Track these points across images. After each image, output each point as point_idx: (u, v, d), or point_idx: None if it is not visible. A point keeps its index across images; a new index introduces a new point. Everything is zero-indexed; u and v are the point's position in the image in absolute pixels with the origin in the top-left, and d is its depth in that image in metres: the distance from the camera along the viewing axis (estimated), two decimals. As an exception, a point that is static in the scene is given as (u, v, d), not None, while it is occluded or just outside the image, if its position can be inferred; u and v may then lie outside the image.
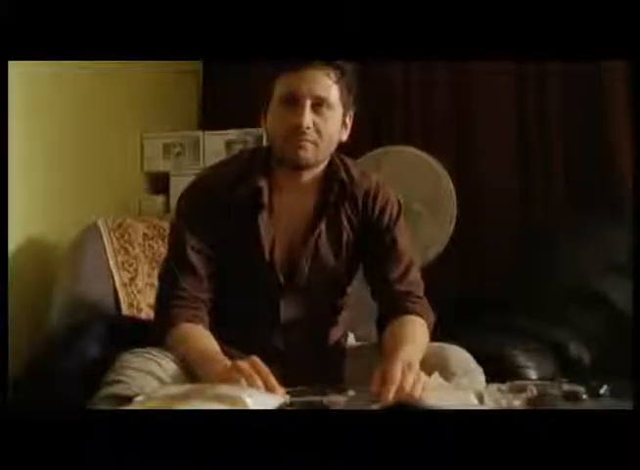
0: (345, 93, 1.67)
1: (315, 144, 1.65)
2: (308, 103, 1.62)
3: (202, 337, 1.62)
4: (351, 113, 1.73)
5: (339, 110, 1.67)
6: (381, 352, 1.63)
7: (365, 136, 2.99)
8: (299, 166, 1.68)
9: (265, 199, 1.69)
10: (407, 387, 1.40)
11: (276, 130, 1.67)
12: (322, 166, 1.73)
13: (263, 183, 1.70)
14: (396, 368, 1.44)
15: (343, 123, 1.71)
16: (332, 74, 1.63)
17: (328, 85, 1.63)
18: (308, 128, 1.62)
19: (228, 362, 1.50)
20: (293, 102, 1.62)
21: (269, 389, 1.40)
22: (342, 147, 1.75)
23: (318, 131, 1.64)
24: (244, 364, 1.44)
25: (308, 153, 1.65)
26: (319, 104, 1.63)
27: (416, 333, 1.65)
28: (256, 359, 1.46)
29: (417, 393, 1.40)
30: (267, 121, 1.70)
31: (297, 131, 1.62)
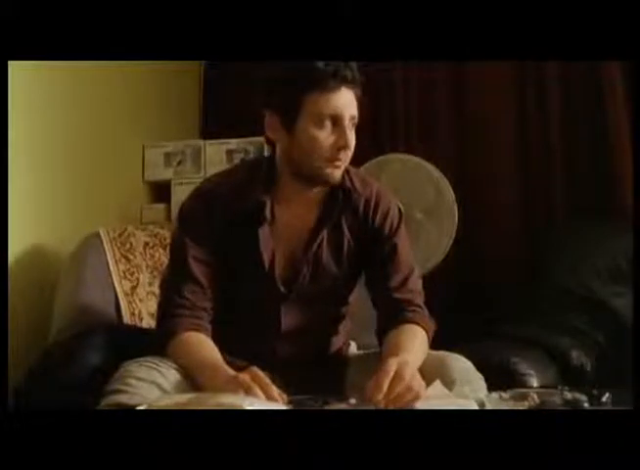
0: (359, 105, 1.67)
1: (346, 162, 1.66)
2: (347, 123, 1.61)
3: (203, 346, 1.62)
4: None
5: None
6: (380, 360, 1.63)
7: (365, 143, 3.00)
8: (326, 184, 1.68)
9: (268, 213, 1.69)
10: (406, 377, 1.42)
11: (313, 150, 1.62)
12: None
13: (266, 197, 1.69)
14: (391, 363, 1.45)
15: None
16: (358, 92, 1.63)
17: (356, 103, 1.64)
18: (348, 151, 1.63)
19: (229, 372, 1.50)
20: (333, 123, 1.61)
21: (269, 399, 1.40)
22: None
23: (351, 150, 1.65)
24: (244, 376, 1.44)
25: (340, 172, 1.66)
26: (352, 123, 1.63)
27: (414, 341, 1.65)
28: (256, 370, 1.46)
29: (415, 385, 1.42)
30: (296, 138, 1.63)
31: (339, 152, 1.62)
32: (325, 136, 1.61)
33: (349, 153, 1.64)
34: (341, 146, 1.61)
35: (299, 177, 1.68)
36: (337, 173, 1.65)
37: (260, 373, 1.45)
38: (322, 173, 1.64)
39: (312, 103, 1.60)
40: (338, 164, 1.64)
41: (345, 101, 1.61)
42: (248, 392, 1.40)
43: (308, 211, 1.73)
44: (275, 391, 1.42)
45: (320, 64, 1.58)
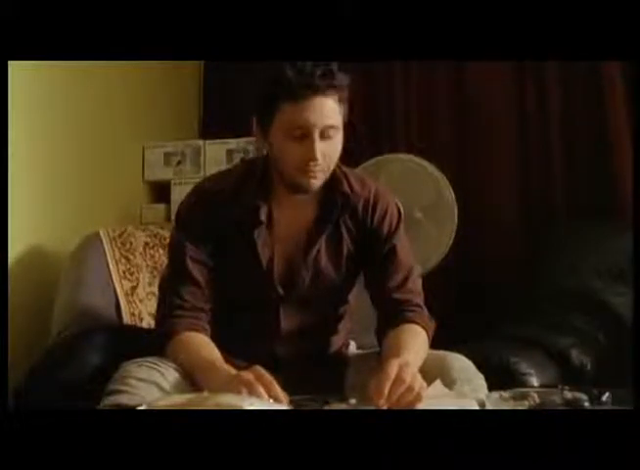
0: (344, 106, 1.63)
1: (324, 171, 1.63)
2: (317, 134, 1.58)
3: (202, 345, 1.62)
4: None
5: (341, 127, 1.63)
6: (380, 360, 1.63)
7: (365, 143, 3.00)
8: (307, 192, 1.66)
9: (262, 216, 1.68)
10: (407, 379, 1.41)
11: (284, 160, 1.63)
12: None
13: (261, 200, 1.69)
14: (392, 365, 1.45)
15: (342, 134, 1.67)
16: (335, 97, 1.59)
17: (333, 110, 1.59)
18: (319, 163, 1.60)
19: (231, 371, 1.50)
20: (302, 134, 1.58)
21: (272, 397, 1.40)
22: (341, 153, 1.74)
23: (327, 158, 1.62)
24: (247, 374, 1.44)
25: (319, 180, 1.64)
26: (328, 131, 1.59)
27: (414, 341, 1.64)
28: (259, 369, 1.46)
29: (417, 385, 1.41)
30: (272, 146, 1.64)
31: (309, 163, 1.60)
32: (295, 147, 1.60)
33: (321, 162, 1.60)
34: (308, 158, 1.59)
35: (285, 184, 1.68)
36: (314, 183, 1.63)
37: (264, 372, 1.44)
38: (299, 183, 1.64)
39: (282, 113, 1.59)
40: (311, 174, 1.61)
41: (317, 111, 1.57)
42: (250, 390, 1.39)
43: (305, 214, 1.73)
44: (279, 390, 1.42)
45: (291, 73, 1.55)
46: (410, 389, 1.41)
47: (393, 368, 1.44)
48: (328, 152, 1.61)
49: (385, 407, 1.40)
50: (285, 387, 1.48)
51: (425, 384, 1.45)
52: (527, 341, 2.40)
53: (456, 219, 2.71)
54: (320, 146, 1.59)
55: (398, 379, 1.42)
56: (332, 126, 1.60)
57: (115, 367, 1.58)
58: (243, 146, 2.94)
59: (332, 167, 1.66)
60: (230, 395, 1.38)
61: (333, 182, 1.71)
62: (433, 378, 1.49)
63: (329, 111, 1.58)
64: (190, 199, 1.75)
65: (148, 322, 2.36)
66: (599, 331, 2.51)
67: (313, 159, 1.59)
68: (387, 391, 1.41)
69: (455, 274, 2.96)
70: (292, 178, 1.64)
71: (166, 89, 3.14)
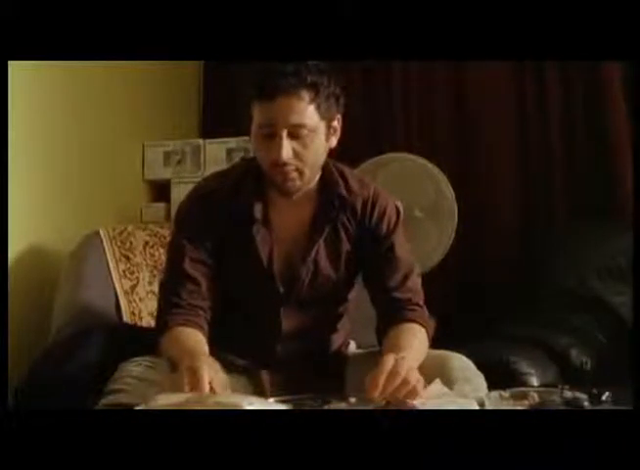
0: (325, 104, 1.60)
1: (299, 171, 1.62)
2: (285, 133, 1.57)
3: (189, 337, 1.60)
4: (339, 116, 1.67)
5: (321, 125, 1.61)
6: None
7: (365, 142, 3.00)
8: (288, 193, 1.67)
9: (257, 214, 1.68)
10: (402, 372, 1.41)
11: (259, 159, 1.65)
12: (315, 179, 1.71)
13: (255, 198, 1.68)
14: (388, 359, 1.45)
15: (330, 133, 1.66)
16: (306, 96, 1.56)
17: (303, 109, 1.57)
18: (287, 162, 1.59)
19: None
20: (269, 134, 1.58)
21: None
22: (340, 153, 1.74)
23: (299, 158, 1.60)
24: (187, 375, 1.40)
25: (295, 181, 1.63)
26: (297, 130, 1.58)
27: (414, 340, 1.64)
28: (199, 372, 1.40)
29: (412, 379, 1.41)
30: (252, 144, 1.67)
31: (278, 164, 1.59)
32: (264, 146, 1.60)
33: (290, 162, 1.59)
34: (275, 157, 1.58)
35: (270, 184, 1.68)
36: (288, 184, 1.63)
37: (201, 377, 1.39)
38: (276, 183, 1.65)
39: (254, 113, 1.60)
40: (283, 175, 1.61)
41: (284, 110, 1.56)
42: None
43: (303, 215, 1.73)
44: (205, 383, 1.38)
45: (261, 72, 1.57)
46: (405, 382, 1.41)
47: (389, 362, 1.44)
48: (301, 151, 1.59)
49: (381, 401, 1.40)
50: (285, 386, 1.48)
51: (421, 378, 1.45)
52: (527, 341, 2.40)
53: (456, 219, 2.71)
54: (289, 145, 1.58)
55: (394, 372, 1.42)
56: (301, 125, 1.57)
57: (115, 366, 1.58)
58: (243, 145, 2.94)
59: (311, 167, 1.64)
60: (230, 394, 1.38)
61: (329, 184, 1.72)
62: (433, 377, 1.49)
63: (295, 109, 1.56)
64: (189, 198, 1.75)
65: (148, 321, 2.36)
66: (599, 331, 2.51)
67: (278, 159, 1.58)
68: (381, 383, 1.41)
69: (455, 274, 2.96)
70: (270, 178, 1.65)
71: (166, 89, 3.14)
